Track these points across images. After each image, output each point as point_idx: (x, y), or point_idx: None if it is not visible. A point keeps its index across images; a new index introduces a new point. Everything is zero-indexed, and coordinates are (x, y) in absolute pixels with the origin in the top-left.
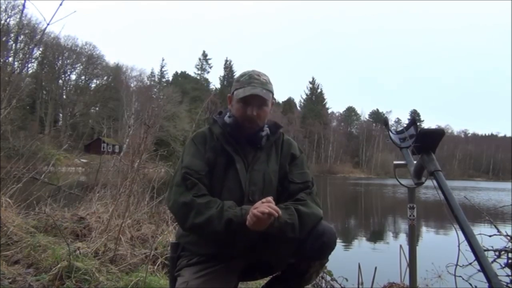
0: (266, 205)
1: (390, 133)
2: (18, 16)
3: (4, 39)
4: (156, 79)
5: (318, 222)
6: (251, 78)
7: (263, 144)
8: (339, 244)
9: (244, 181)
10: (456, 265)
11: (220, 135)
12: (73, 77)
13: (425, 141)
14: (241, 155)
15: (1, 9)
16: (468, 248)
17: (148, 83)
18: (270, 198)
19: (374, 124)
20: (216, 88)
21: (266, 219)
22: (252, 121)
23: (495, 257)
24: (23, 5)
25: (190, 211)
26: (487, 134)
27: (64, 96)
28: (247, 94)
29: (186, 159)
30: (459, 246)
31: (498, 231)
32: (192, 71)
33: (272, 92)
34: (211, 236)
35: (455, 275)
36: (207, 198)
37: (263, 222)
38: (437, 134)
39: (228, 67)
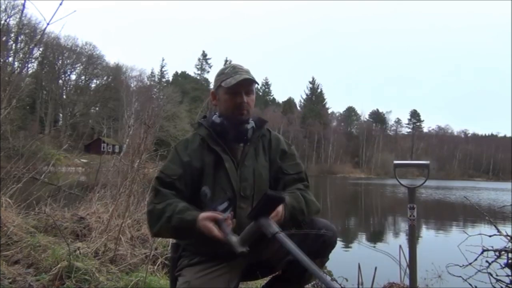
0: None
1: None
2: (18, 16)
3: (4, 39)
4: (156, 79)
5: (317, 212)
6: (235, 68)
7: (249, 136)
8: (339, 244)
9: (235, 178)
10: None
11: (206, 136)
12: (73, 77)
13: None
14: (229, 153)
15: (1, 9)
16: (468, 248)
17: (148, 83)
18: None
19: (374, 124)
20: None
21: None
22: (243, 108)
23: (495, 257)
24: (23, 5)
25: (151, 219)
26: (487, 134)
27: (64, 96)
28: (239, 80)
29: (164, 165)
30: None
31: (498, 231)
32: (192, 71)
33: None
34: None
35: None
36: (164, 203)
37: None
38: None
39: None
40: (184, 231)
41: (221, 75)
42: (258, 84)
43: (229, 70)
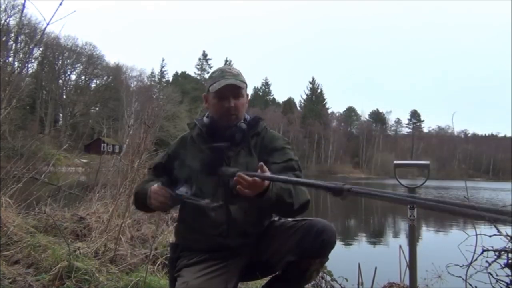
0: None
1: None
2: (18, 16)
3: (4, 39)
4: (156, 79)
5: (307, 202)
6: (223, 72)
7: (238, 139)
8: (339, 244)
9: None
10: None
11: (197, 136)
12: (73, 77)
13: None
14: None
15: (1, 9)
16: (468, 248)
17: (148, 83)
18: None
19: (374, 124)
20: None
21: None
22: (230, 113)
23: (495, 257)
24: (23, 5)
25: (134, 195)
26: (487, 134)
27: (64, 96)
28: (223, 85)
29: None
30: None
31: (498, 231)
32: (192, 71)
33: (245, 83)
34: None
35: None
36: (142, 183)
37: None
38: None
39: None
40: (143, 198)
41: (210, 78)
42: (246, 86)
43: (217, 74)
